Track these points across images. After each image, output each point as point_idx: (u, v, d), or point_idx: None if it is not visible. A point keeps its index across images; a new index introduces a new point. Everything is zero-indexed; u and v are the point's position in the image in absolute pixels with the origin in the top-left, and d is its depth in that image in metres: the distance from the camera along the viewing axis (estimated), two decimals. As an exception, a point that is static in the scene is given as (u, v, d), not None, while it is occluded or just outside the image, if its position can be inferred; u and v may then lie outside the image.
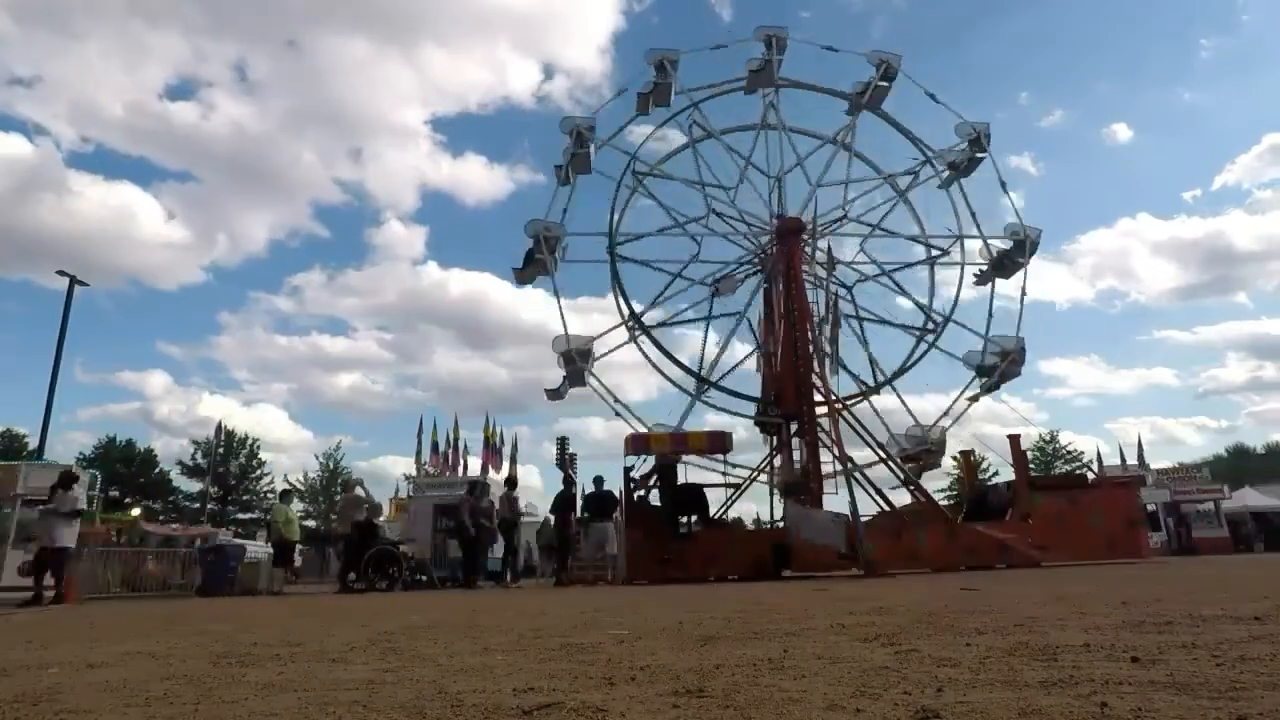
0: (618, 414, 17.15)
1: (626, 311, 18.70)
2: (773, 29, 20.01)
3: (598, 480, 14.97)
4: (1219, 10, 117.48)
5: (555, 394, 18.19)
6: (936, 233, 20.47)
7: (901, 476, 17.57)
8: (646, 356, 18.84)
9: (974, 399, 18.95)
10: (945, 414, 18.84)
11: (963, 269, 20.14)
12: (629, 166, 19.41)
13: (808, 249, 19.12)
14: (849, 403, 18.51)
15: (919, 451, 18.06)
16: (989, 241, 20.03)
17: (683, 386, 18.56)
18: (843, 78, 21.07)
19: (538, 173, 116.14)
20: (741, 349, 19.89)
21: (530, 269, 18.42)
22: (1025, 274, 19.79)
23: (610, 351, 18.56)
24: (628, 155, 19.62)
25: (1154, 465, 32.93)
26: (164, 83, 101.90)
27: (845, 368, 18.58)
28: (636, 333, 18.71)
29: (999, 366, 18.62)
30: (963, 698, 1.22)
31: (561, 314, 18.09)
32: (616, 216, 19.11)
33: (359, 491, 15.60)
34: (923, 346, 19.37)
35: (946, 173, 20.33)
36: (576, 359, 17.46)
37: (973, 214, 20.27)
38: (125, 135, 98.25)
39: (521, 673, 1.67)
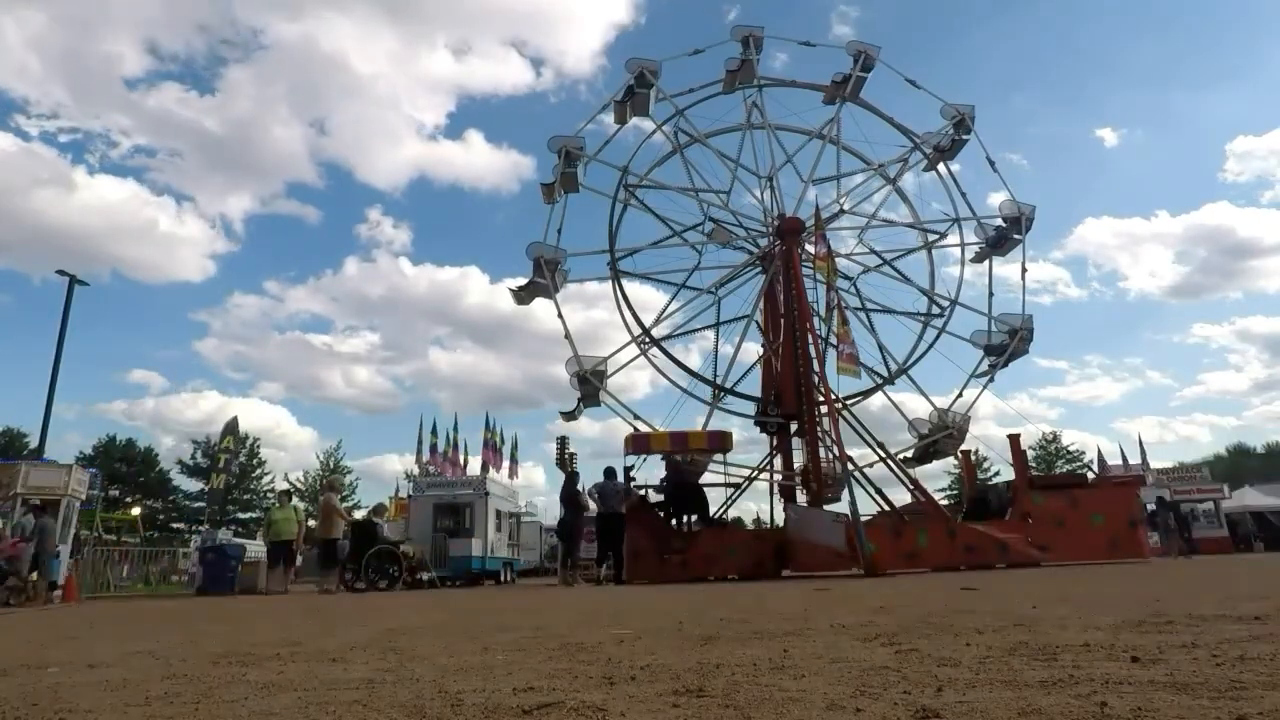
0: (634, 426, 16.86)
1: (636, 329, 18.62)
2: (749, 28, 19.95)
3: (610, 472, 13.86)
4: (1214, 12, 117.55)
5: (570, 416, 18.05)
6: (931, 218, 20.59)
7: (902, 476, 17.56)
8: (659, 369, 18.82)
9: (990, 379, 18.85)
10: (959, 396, 18.81)
11: (963, 250, 20.16)
12: (621, 180, 19.32)
13: (809, 246, 19.08)
14: (850, 402, 18.50)
15: (941, 437, 18.01)
16: (984, 221, 20.06)
17: (697, 395, 18.50)
18: (823, 73, 21.07)
19: (527, 162, 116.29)
20: (754, 351, 19.92)
21: (529, 291, 18.24)
22: (1025, 251, 19.78)
23: (621, 368, 18.38)
24: (619, 169, 19.31)
25: (1155, 465, 32.89)
26: (140, 57, 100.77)
27: (859, 361, 18.52)
28: (647, 347, 18.67)
29: (1009, 345, 18.59)
30: (963, 698, 1.22)
31: (570, 337, 17.70)
32: (614, 230, 19.01)
33: (332, 500, 15.57)
34: (931, 333, 19.39)
35: (932, 154, 20.32)
36: (591, 380, 17.34)
37: (963, 194, 20.39)
38: (101, 116, 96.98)
39: (521, 672, 1.67)
